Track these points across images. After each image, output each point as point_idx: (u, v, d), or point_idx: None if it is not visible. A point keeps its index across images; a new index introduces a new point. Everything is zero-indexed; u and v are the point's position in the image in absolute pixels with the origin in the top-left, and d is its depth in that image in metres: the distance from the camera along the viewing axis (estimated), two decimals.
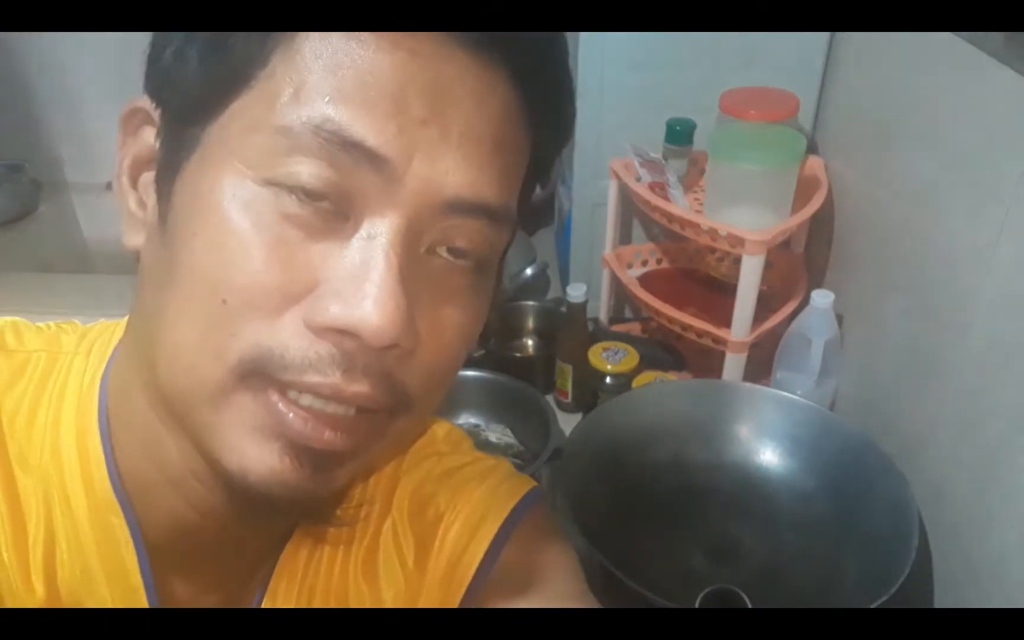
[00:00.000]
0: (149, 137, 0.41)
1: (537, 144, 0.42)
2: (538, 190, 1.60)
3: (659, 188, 1.09)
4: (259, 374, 0.37)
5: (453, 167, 0.37)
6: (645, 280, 1.23)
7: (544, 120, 0.41)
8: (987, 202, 0.75)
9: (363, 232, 0.37)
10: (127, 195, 0.42)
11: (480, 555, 0.51)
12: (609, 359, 1.13)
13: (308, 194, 0.36)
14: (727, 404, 0.96)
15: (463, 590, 0.51)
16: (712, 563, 0.85)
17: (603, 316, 1.29)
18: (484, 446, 1.14)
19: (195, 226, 0.37)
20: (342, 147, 0.35)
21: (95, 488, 0.44)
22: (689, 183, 1.17)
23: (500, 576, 0.51)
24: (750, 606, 0.66)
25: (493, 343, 1.26)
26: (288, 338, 0.36)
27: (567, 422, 1.13)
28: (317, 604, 0.51)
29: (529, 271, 1.37)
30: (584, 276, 1.27)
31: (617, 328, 1.30)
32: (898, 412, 0.92)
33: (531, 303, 1.35)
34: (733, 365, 1.08)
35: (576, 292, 1.17)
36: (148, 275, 0.41)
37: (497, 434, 1.16)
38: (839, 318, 1.03)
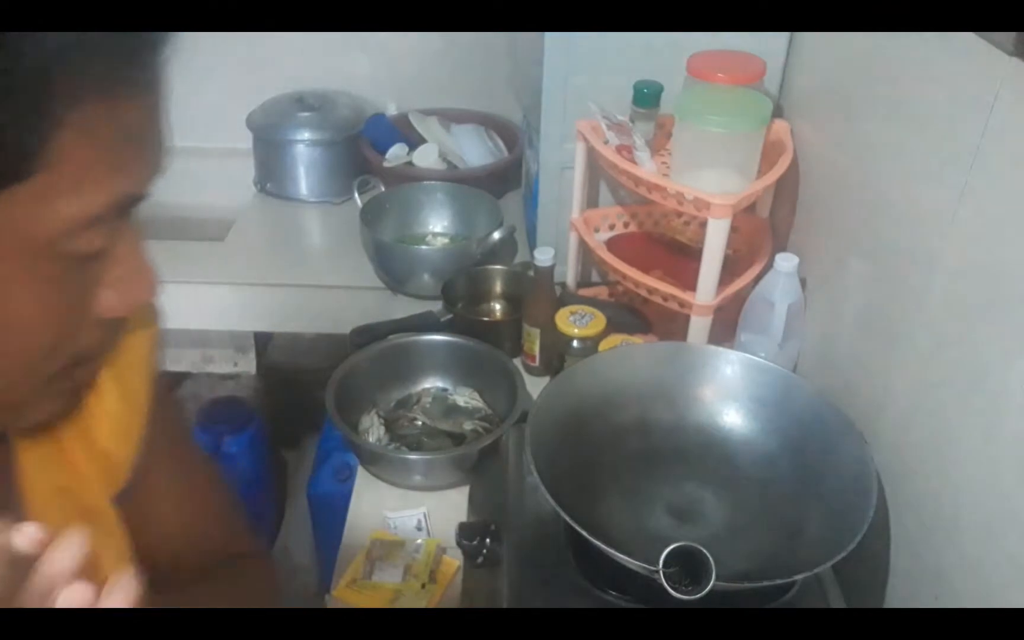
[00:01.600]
0: None
1: None
2: (505, 153, 1.60)
3: (626, 151, 1.09)
4: (67, 368, 0.46)
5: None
6: (612, 244, 1.23)
7: None
8: (947, 167, 0.76)
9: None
10: None
11: None
12: (576, 323, 1.13)
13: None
14: (692, 366, 0.97)
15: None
16: (676, 522, 0.86)
17: (570, 280, 1.29)
18: (452, 409, 1.14)
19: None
20: (129, 204, 0.42)
21: None
22: (656, 146, 1.17)
23: None
24: (712, 563, 0.67)
25: (461, 307, 1.26)
26: (87, 336, 0.45)
27: (534, 385, 1.13)
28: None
29: (496, 235, 1.37)
30: (551, 240, 1.27)
31: (584, 292, 1.30)
32: (859, 374, 0.94)
33: (498, 267, 1.35)
34: (698, 328, 1.09)
35: (543, 256, 1.17)
36: None
37: (465, 397, 1.16)
38: (802, 282, 1.04)
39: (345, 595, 0.92)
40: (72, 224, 0.39)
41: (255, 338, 1.69)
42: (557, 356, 1.16)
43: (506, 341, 1.20)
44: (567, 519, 0.74)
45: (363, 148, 1.65)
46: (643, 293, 1.13)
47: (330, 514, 1.39)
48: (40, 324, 0.41)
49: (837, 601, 0.84)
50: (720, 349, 0.98)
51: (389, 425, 1.12)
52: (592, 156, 1.16)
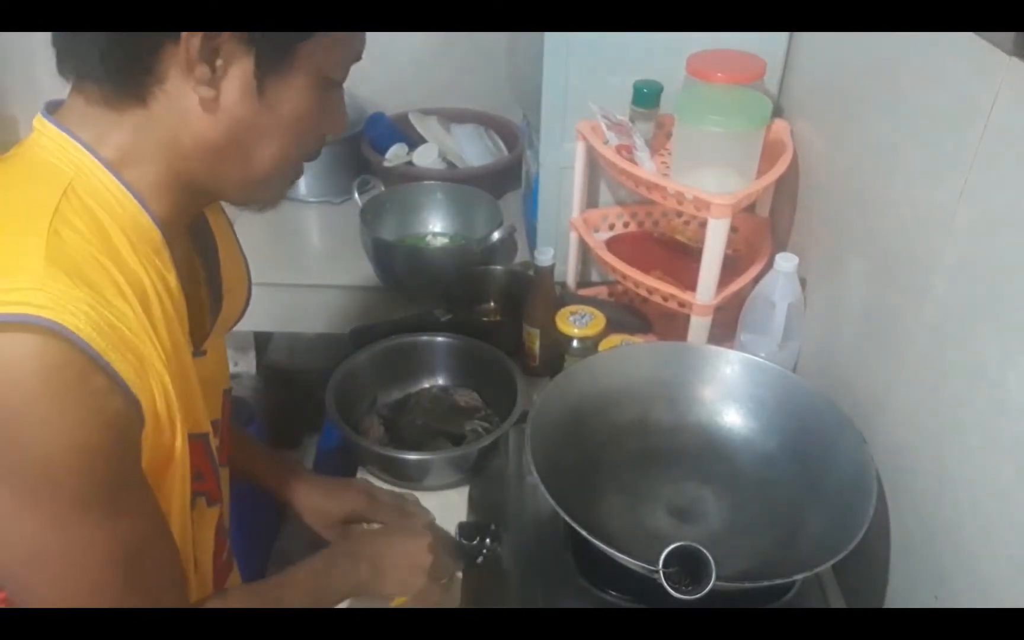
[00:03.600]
0: None
1: None
2: (505, 153, 1.61)
3: (626, 151, 1.09)
4: (298, 166, 0.68)
5: None
6: (612, 244, 1.23)
7: None
8: (947, 168, 0.76)
9: None
10: None
11: None
12: (576, 323, 1.13)
13: None
14: (692, 366, 0.97)
15: None
16: (676, 522, 0.87)
17: (570, 280, 1.29)
18: (452, 409, 1.14)
19: None
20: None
21: None
22: (656, 146, 1.17)
23: None
24: (712, 563, 0.67)
25: (461, 307, 1.25)
26: (315, 146, 0.67)
27: (534, 385, 1.13)
28: None
29: (496, 235, 1.37)
30: (551, 240, 1.27)
31: (584, 292, 1.30)
32: (858, 374, 0.94)
33: (498, 267, 1.35)
34: (698, 328, 1.09)
35: (543, 256, 1.16)
36: None
37: (465, 398, 1.16)
38: (802, 281, 1.04)
39: None
40: (344, 61, 0.61)
41: (255, 338, 1.69)
42: (557, 356, 1.16)
43: (506, 341, 1.20)
44: (567, 519, 0.74)
45: (363, 148, 1.64)
46: (643, 293, 1.13)
47: None
48: (311, 124, 0.62)
49: (837, 601, 0.84)
50: (720, 349, 0.98)
51: (389, 425, 1.12)
52: (592, 156, 1.16)
